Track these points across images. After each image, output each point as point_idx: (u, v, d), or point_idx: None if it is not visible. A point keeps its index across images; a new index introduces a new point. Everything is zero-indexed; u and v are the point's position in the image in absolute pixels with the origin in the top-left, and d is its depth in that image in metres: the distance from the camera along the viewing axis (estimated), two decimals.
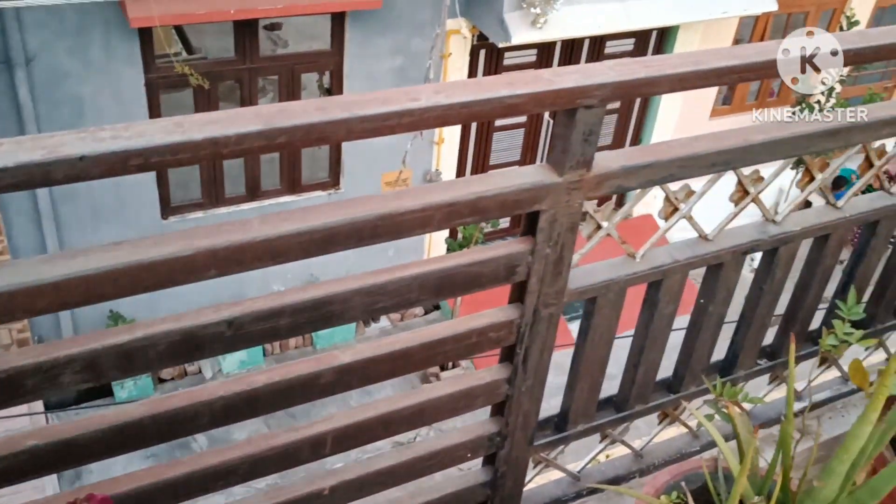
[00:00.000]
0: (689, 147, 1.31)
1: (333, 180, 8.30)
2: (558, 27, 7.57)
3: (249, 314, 1.09)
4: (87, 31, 6.50)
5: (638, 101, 9.52)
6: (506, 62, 8.48)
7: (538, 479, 1.70)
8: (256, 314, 1.09)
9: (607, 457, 1.87)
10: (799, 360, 1.86)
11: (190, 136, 0.89)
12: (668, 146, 1.31)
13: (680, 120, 9.67)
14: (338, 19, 7.47)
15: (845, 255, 1.99)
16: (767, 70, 1.26)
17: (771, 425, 1.90)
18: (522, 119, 8.97)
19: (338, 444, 1.31)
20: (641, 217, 8.24)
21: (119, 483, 1.16)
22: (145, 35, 6.68)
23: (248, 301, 1.09)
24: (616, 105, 9.28)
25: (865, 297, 1.85)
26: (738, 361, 1.77)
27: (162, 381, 7.91)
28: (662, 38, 9.18)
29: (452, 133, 8.67)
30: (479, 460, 1.58)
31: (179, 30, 7.30)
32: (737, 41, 9.60)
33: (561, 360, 1.53)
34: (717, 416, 1.60)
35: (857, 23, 9.44)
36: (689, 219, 1.44)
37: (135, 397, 7.53)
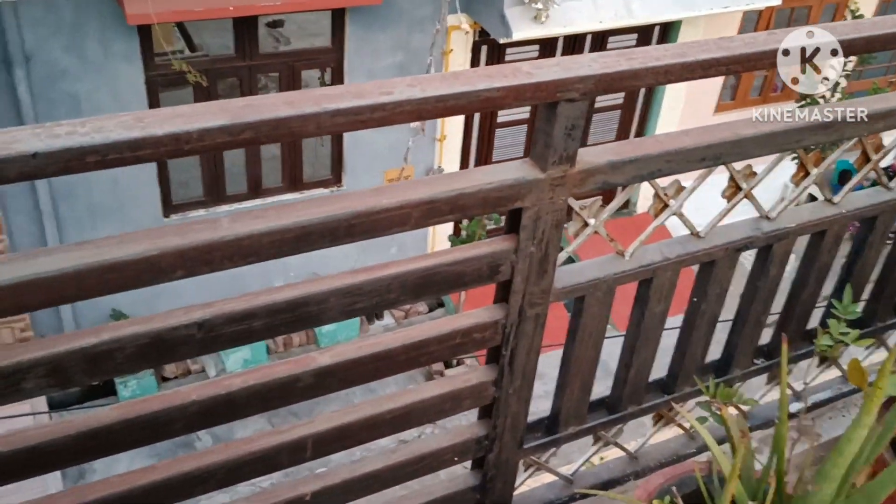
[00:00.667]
0: (678, 141, 1.27)
1: (335, 177, 8.27)
2: (560, 22, 7.52)
3: (221, 316, 1.05)
4: (86, 29, 6.48)
5: (641, 97, 9.47)
6: (508, 58, 8.43)
7: (529, 483, 1.66)
8: (229, 315, 1.06)
9: (601, 459, 1.83)
10: (796, 359, 1.82)
11: (150, 131, 0.86)
12: (656, 140, 1.27)
13: (683, 116, 9.60)
14: (338, 15, 7.44)
15: (847, 250, 1.94)
16: (755, 62, 1.21)
17: (770, 426, 1.86)
18: (526, 115, 8.92)
19: (318, 448, 1.27)
20: (644, 215, 8.19)
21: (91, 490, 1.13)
22: (145, 32, 6.65)
23: (220, 302, 1.06)
24: (619, 102, 9.24)
25: (865, 295, 1.81)
26: (734, 361, 1.73)
27: (165, 379, 7.89)
28: (665, 34, 9.12)
29: (455, 129, 8.63)
30: (469, 464, 1.54)
31: (182, 27, 7.26)
32: None
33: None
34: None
35: (861, 17, 9.37)
36: (680, 215, 1.40)
37: (138, 396, 7.51)
